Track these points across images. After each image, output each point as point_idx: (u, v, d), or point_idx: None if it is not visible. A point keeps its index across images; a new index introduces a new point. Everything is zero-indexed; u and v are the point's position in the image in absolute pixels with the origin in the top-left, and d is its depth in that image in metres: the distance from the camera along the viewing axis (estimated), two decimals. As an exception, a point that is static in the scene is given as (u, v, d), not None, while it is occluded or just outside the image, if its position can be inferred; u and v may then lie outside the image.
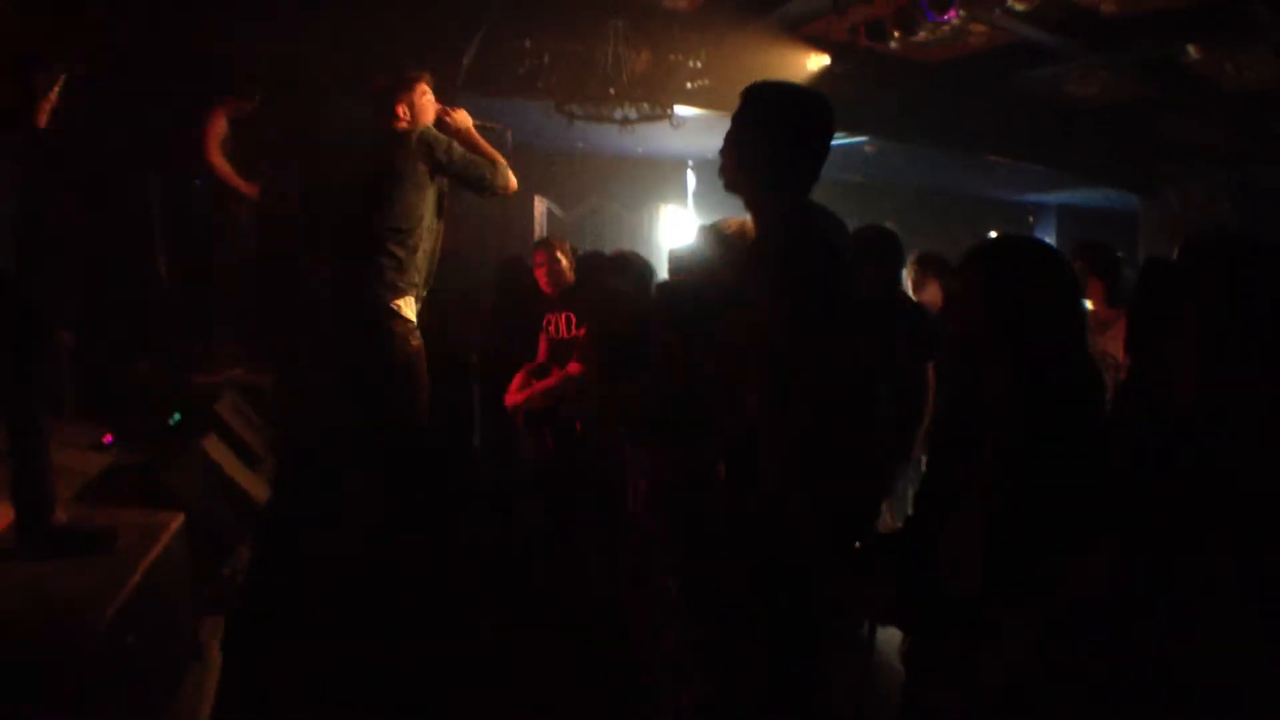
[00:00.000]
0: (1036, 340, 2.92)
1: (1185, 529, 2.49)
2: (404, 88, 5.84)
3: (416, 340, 5.80)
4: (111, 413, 7.29)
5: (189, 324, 8.14)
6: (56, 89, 4.06)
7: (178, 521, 4.84)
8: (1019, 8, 8.17)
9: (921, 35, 8.55)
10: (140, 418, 7.25)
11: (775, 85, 3.69)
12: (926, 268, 7.57)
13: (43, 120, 4.05)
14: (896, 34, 8.59)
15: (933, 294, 7.40)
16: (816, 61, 10.29)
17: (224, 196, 8.07)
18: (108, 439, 6.97)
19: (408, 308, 5.76)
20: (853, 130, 11.45)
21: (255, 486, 6.25)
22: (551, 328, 7.20)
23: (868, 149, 12.29)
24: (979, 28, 9.42)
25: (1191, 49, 9.20)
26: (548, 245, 7.42)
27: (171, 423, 7.01)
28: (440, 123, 6.00)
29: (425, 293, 5.97)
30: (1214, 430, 2.59)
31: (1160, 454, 2.73)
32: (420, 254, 5.80)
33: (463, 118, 6.09)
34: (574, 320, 7.06)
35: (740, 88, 3.66)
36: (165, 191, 8.11)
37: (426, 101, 5.91)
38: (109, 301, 8.09)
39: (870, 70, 9.97)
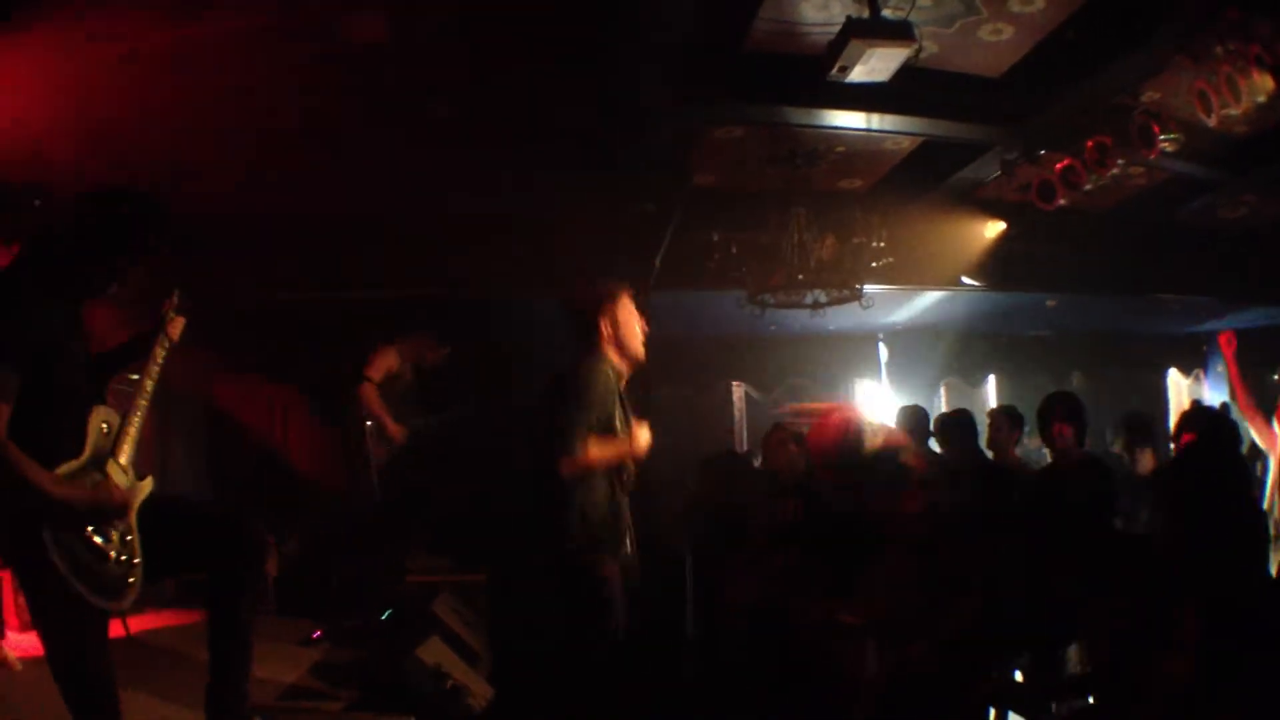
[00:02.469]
0: None
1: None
2: (609, 300, 5.18)
3: (603, 571, 4.98)
4: (322, 610, 7.51)
5: (400, 526, 8.29)
6: None
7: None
8: (1169, 147, 8.20)
9: (1088, 185, 8.56)
10: (351, 615, 7.44)
11: None
12: (1137, 438, 7.44)
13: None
14: (1063, 192, 8.60)
15: (1146, 463, 7.23)
16: (993, 227, 10.33)
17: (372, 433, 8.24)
18: (317, 635, 7.17)
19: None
20: (1034, 288, 11.42)
21: (476, 684, 6.32)
22: (781, 514, 7.16)
23: (1049, 304, 12.19)
24: (1137, 170, 9.58)
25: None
26: (783, 429, 7.35)
27: (383, 618, 7.15)
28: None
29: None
30: None
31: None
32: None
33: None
34: (800, 508, 7.01)
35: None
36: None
37: (629, 315, 5.21)
38: (321, 505, 8.38)
39: (1043, 227, 9.98)
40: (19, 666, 6.22)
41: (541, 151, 7.95)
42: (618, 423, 5.03)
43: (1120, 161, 8.37)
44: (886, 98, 7.62)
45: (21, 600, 7.19)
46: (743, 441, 10.97)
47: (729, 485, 7.88)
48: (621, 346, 5.15)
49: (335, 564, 8.08)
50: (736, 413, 11.68)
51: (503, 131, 7.73)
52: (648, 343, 5.28)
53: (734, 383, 11.75)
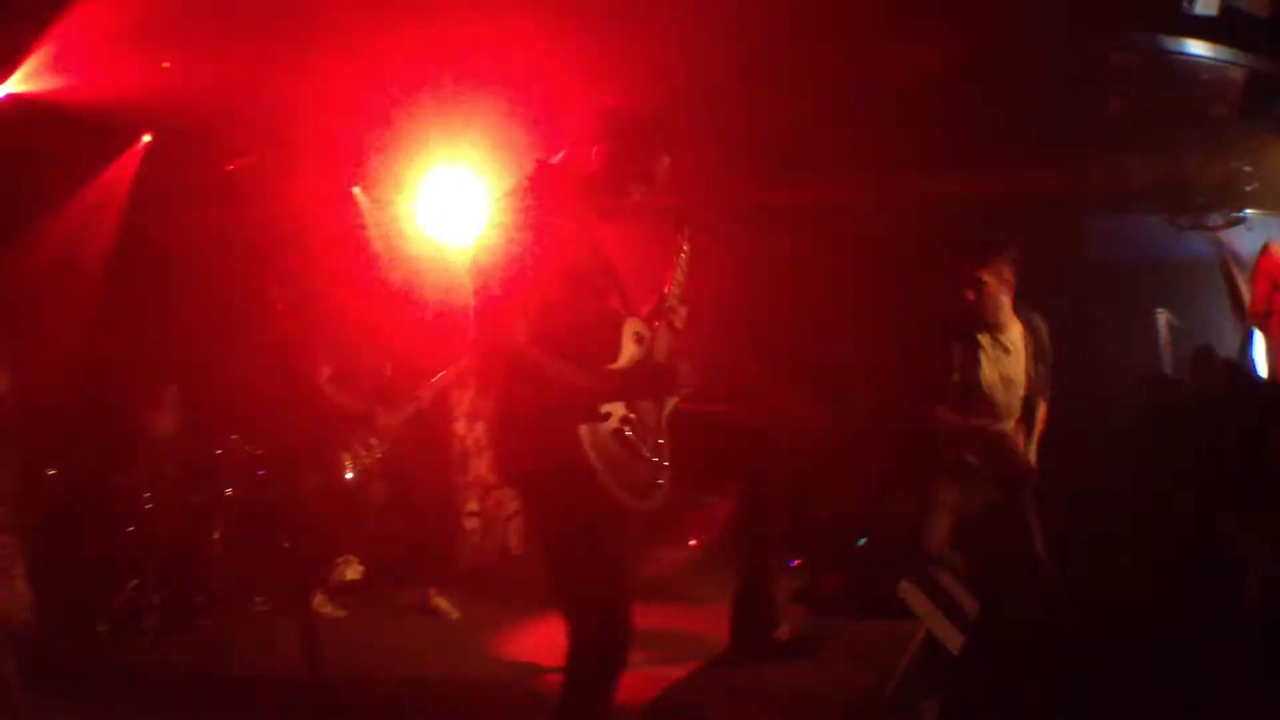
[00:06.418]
0: None
1: None
2: None
3: None
4: (801, 542, 7.72)
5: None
6: None
7: (922, 630, 5.08)
8: None
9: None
10: (826, 545, 7.60)
11: None
12: None
13: None
14: None
15: None
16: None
17: None
18: (795, 563, 7.40)
19: None
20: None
21: (967, 601, 6.40)
22: None
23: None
24: None
25: None
26: None
27: (858, 544, 7.24)
28: None
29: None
30: None
31: None
32: None
33: None
34: None
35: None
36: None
37: None
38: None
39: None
40: (455, 614, 6.60)
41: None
42: None
43: None
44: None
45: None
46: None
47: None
48: None
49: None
50: (1162, 341, 11.23)
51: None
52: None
53: (1159, 309, 11.31)
